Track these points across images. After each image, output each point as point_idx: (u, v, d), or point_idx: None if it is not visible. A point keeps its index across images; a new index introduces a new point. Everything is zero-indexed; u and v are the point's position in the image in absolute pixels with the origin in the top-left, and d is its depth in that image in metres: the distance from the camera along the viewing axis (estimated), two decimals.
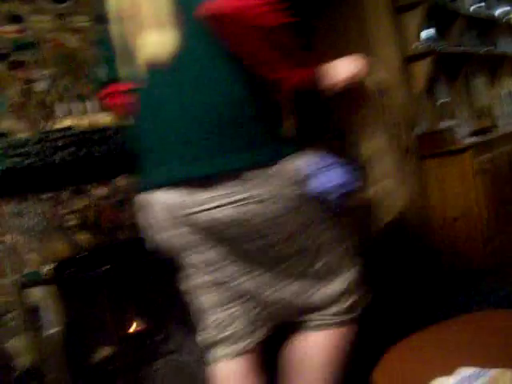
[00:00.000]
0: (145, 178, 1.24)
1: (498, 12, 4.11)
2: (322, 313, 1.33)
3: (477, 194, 3.01)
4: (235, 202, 1.11)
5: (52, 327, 1.68)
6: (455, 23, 3.54)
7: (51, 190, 1.72)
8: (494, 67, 4.22)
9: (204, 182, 1.10)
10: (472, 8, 3.72)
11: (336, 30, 3.03)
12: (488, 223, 3.06)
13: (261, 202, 1.12)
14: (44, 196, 1.70)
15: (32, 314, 1.65)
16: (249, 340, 1.34)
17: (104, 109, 1.97)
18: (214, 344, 1.35)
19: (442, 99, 3.47)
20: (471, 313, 1.35)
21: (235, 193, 1.10)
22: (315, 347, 1.34)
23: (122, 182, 1.90)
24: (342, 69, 1.27)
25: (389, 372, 1.16)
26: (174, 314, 2.26)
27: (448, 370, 1.06)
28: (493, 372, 1.02)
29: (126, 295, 1.95)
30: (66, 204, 1.75)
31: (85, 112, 2.14)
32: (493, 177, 3.21)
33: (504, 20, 4.19)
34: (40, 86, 2.08)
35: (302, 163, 1.19)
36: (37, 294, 1.67)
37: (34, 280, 1.65)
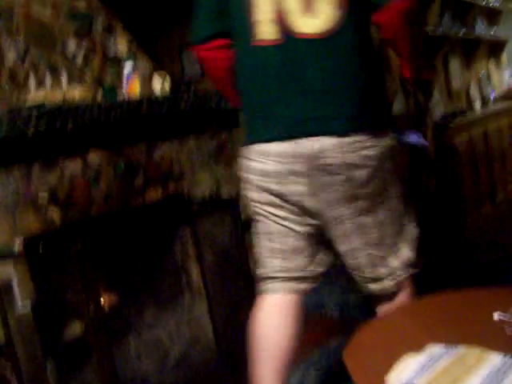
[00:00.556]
0: (271, 131, 1.41)
1: None
2: (389, 268, 1.50)
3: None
4: (364, 148, 1.36)
5: (23, 303, 1.66)
6: (433, 5, 3.54)
7: (22, 163, 1.69)
8: (470, 50, 4.24)
9: (342, 135, 1.34)
10: None
11: None
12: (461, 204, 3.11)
13: (381, 153, 1.39)
14: (15, 170, 1.67)
15: (2, 290, 1.63)
16: (306, 282, 1.57)
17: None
18: (276, 279, 1.55)
19: None
20: (441, 291, 1.38)
21: (365, 143, 1.36)
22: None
23: (94, 156, 1.87)
24: None
25: (359, 350, 1.18)
26: (146, 290, 2.26)
27: (418, 348, 1.07)
28: (461, 348, 1.04)
29: (98, 271, 1.94)
30: (38, 178, 1.72)
31: (58, 85, 2.10)
32: (468, 157, 3.26)
33: (483, 3, 4.21)
34: (11, 58, 2.03)
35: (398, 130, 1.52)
36: (7, 269, 1.64)
37: (5, 255, 1.62)
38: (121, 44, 2.38)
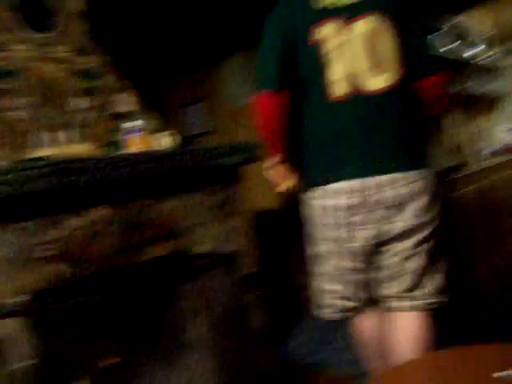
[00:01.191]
0: (338, 172, 1.67)
1: (468, 54, 4.21)
2: (419, 292, 1.72)
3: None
4: (412, 182, 1.65)
5: (24, 360, 1.64)
6: None
7: (26, 219, 1.70)
8: (466, 105, 4.31)
9: (406, 171, 1.65)
10: (443, 50, 3.81)
11: None
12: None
13: (433, 183, 1.70)
14: (18, 226, 1.67)
15: (2, 347, 1.61)
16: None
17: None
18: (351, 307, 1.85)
19: None
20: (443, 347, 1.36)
21: (413, 181, 1.65)
22: (417, 327, 1.74)
23: (96, 212, 1.88)
24: None
25: None
26: (151, 346, 2.23)
27: None
28: None
29: (100, 327, 1.92)
30: (41, 234, 1.73)
31: (63, 142, 2.13)
32: (463, 213, 3.26)
33: (474, 62, 4.30)
34: (18, 115, 2.07)
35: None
36: (7, 325, 1.63)
37: (7, 311, 1.61)
38: (128, 101, 2.44)
